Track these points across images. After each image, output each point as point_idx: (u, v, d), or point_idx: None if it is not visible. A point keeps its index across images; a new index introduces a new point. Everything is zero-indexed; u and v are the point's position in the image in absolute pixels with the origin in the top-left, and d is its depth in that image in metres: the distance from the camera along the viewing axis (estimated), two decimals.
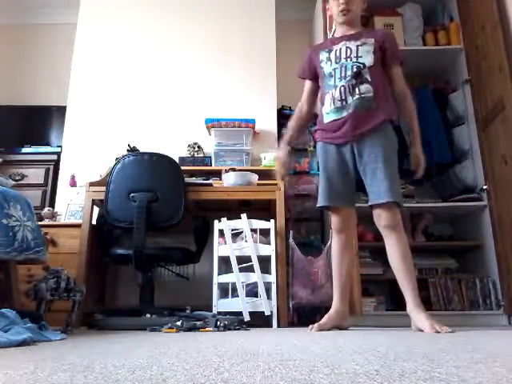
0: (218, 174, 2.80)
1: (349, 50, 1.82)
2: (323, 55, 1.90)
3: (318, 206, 1.89)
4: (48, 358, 0.85)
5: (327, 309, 1.87)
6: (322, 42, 1.95)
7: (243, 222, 2.25)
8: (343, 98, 1.78)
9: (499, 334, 1.57)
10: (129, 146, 2.75)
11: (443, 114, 2.87)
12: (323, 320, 1.79)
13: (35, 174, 3.19)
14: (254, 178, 2.52)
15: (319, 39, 3.26)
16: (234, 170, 2.65)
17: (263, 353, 0.89)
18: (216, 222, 2.26)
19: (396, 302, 2.61)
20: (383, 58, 1.84)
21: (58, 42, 3.83)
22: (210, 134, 3.11)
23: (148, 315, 2.03)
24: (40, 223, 2.04)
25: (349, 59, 1.81)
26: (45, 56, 3.86)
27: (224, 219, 2.25)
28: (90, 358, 0.84)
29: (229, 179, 2.50)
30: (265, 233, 2.28)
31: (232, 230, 2.25)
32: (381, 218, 1.73)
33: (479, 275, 2.60)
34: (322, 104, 1.89)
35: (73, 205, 2.83)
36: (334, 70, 1.83)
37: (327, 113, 1.85)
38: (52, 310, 1.69)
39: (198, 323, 1.82)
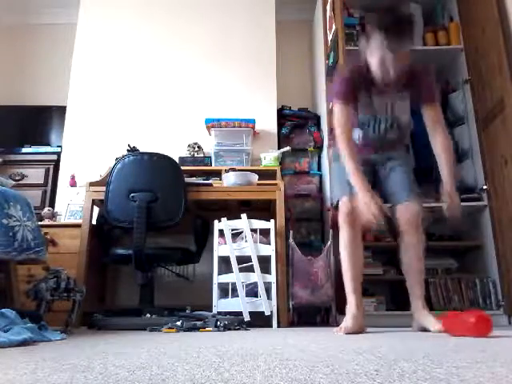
0: (218, 174, 2.80)
1: (389, 107, 1.85)
2: (362, 95, 1.83)
3: (337, 198, 1.81)
4: (48, 358, 0.85)
5: (327, 309, 1.86)
6: (358, 65, 1.83)
7: (243, 222, 2.25)
8: (371, 138, 1.88)
9: (499, 334, 1.57)
10: (129, 145, 2.76)
11: (443, 114, 2.86)
12: (349, 324, 1.64)
13: (35, 174, 3.18)
14: (254, 177, 2.52)
15: (319, 39, 3.27)
16: (234, 169, 2.65)
17: (263, 353, 0.89)
18: (216, 222, 2.26)
19: (396, 301, 2.61)
20: (417, 96, 1.86)
21: (58, 42, 3.83)
22: (210, 134, 3.11)
23: (148, 315, 2.03)
24: (40, 223, 2.04)
25: (385, 113, 1.85)
26: (45, 56, 3.85)
27: (224, 219, 2.25)
28: (90, 358, 0.84)
29: (229, 179, 2.50)
30: (265, 233, 2.28)
31: (232, 230, 2.25)
32: (408, 211, 1.74)
33: (479, 275, 2.60)
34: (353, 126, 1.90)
35: (73, 205, 2.83)
36: (369, 120, 1.86)
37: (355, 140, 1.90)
38: (52, 310, 1.69)
39: (198, 323, 1.82)
